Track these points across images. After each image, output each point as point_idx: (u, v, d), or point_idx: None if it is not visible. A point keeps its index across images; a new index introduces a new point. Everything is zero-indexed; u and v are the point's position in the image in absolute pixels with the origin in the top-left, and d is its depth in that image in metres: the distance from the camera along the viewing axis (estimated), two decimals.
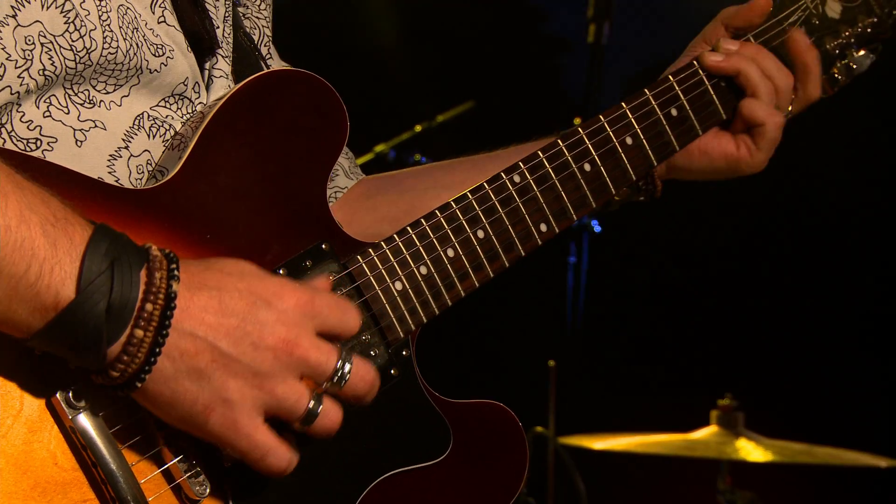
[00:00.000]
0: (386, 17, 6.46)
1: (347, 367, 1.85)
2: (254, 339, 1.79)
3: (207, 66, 2.14)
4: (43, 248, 1.69)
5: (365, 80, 6.31)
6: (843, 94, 5.59)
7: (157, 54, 2.00)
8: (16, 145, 1.89)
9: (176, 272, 1.76)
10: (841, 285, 6.12)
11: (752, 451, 5.02)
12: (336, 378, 1.85)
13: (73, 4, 1.90)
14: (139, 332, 1.73)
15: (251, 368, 1.79)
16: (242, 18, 2.34)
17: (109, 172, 1.97)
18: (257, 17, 2.39)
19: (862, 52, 2.54)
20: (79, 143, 1.94)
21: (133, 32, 1.97)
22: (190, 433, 1.82)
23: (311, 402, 1.83)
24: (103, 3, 1.93)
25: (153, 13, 2.02)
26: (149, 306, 1.73)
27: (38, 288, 1.69)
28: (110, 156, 1.97)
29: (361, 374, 1.87)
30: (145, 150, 2.01)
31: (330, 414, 1.85)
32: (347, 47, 6.31)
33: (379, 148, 5.73)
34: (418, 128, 5.81)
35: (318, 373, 1.84)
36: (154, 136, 2.02)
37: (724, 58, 2.41)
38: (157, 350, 1.74)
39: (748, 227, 6.23)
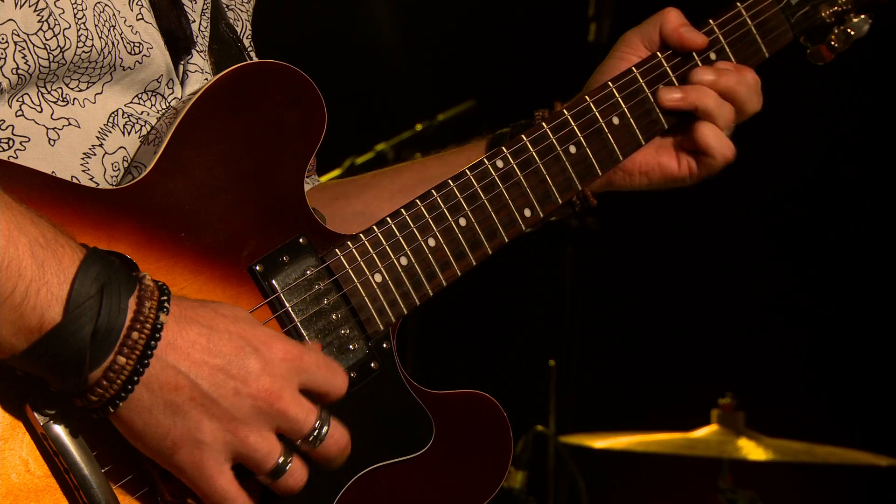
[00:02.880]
0: (386, 15, 6.46)
1: (325, 428, 1.85)
2: (237, 383, 1.79)
3: (182, 62, 2.12)
4: (30, 269, 1.68)
5: (365, 78, 6.31)
6: (843, 94, 5.58)
7: (133, 52, 1.99)
8: None
9: (166, 304, 1.76)
10: (841, 284, 6.10)
11: (752, 449, 5.01)
12: (311, 437, 1.84)
13: (47, 3, 1.89)
14: (121, 360, 1.72)
15: (228, 413, 1.78)
16: (226, 10, 2.32)
17: (84, 171, 1.96)
18: (240, 10, 2.37)
19: (860, 17, 2.47)
20: (52, 142, 1.93)
21: (110, 30, 1.95)
22: (155, 461, 1.81)
23: (281, 458, 1.82)
24: (79, 1, 1.92)
25: (132, 10, 2.01)
26: (134, 334, 1.72)
27: (23, 309, 1.68)
28: (84, 154, 1.96)
29: (336, 437, 1.87)
30: (120, 147, 2.00)
31: (296, 474, 1.84)
32: (348, 46, 6.31)
33: (380, 147, 5.73)
34: (419, 126, 5.80)
35: (295, 429, 1.83)
36: (129, 133, 2.01)
37: (681, 95, 2.36)
38: (136, 378, 1.73)
39: (749, 226, 6.22)
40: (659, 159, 2.42)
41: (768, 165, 6.07)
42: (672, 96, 2.35)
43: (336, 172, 5.56)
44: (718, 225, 6.14)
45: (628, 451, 5.15)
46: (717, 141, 2.37)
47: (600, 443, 5.21)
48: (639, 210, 5.44)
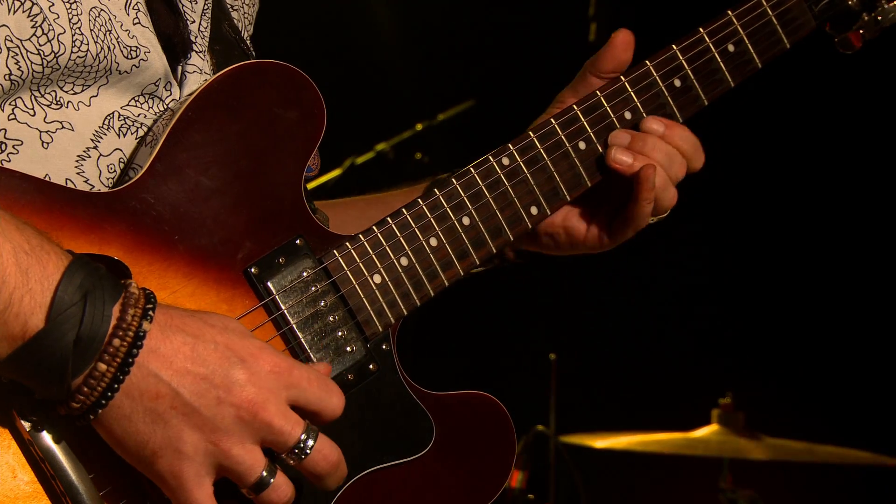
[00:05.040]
0: (386, 15, 6.45)
1: (311, 442, 1.81)
2: (220, 393, 1.76)
3: (181, 63, 2.10)
4: (14, 275, 1.67)
5: (366, 78, 6.30)
6: (843, 93, 5.56)
7: (129, 56, 1.97)
8: None
9: (151, 312, 1.74)
10: (842, 283, 6.10)
11: (752, 449, 5.02)
12: (297, 450, 1.80)
13: (42, 8, 1.87)
14: (102, 366, 1.71)
15: (211, 423, 1.76)
16: (230, 10, 2.31)
17: (78, 173, 1.94)
18: (243, 11, 2.35)
19: (891, 4, 2.41)
20: (45, 145, 1.92)
21: (105, 35, 1.94)
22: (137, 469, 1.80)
23: (264, 472, 1.78)
24: (74, 6, 1.91)
25: (128, 14, 1.99)
26: (116, 342, 1.71)
27: (7, 316, 1.67)
28: (78, 156, 1.94)
29: (325, 452, 1.83)
30: (116, 149, 1.98)
31: (279, 489, 1.80)
32: (348, 46, 6.31)
33: (380, 147, 5.73)
34: (419, 126, 5.81)
35: (280, 441, 1.79)
36: (125, 135, 1.99)
37: (632, 159, 2.24)
38: (116, 386, 1.72)
39: (750, 226, 6.21)
40: (566, 223, 2.35)
41: (768, 165, 6.07)
42: (622, 158, 2.25)
43: (336, 172, 5.57)
44: (719, 225, 6.14)
45: (628, 451, 5.15)
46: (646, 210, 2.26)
47: (600, 443, 5.21)
48: None
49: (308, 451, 1.81)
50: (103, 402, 1.72)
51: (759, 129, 5.83)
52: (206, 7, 2.18)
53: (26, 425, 1.76)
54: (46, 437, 1.77)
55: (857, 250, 6.05)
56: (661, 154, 2.26)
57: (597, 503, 5.98)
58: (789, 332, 6.15)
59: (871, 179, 5.99)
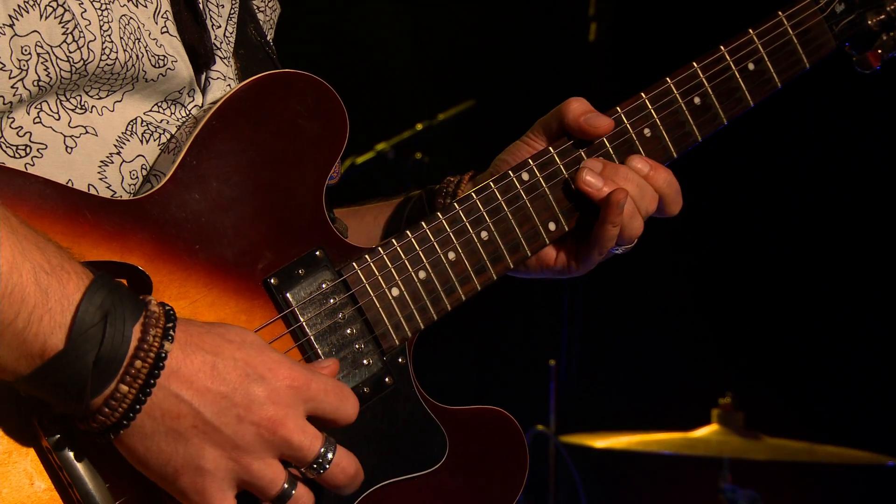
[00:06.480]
0: (387, 15, 6.45)
1: (330, 455, 1.83)
2: (240, 411, 1.77)
3: (204, 69, 2.10)
4: (33, 295, 1.67)
5: (366, 78, 6.29)
6: (841, 93, 5.56)
7: (157, 65, 1.97)
8: (5, 152, 1.87)
9: (171, 332, 1.74)
10: (842, 283, 6.11)
11: (752, 449, 5.02)
12: (316, 465, 1.82)
13: (74, 14, 1.87)
14: (124, 388, 1.72)
15: (231, 441, 1.77)
16: (257, 11, 2.31)
17: (101, 179, 1.94)
18: (268, 15, 2.36)
19: None
20: (69, 150, 1.92)
21: (135, 43, 1.94)
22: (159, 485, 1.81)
23: (285, 485, 1.80)
24: (105, 13, 1.90)
25: (156, 23, 1.99)
26: (138, 363, 1.72)
27: (26, 335, 1.68)
28: (101, 162, 1.94)
29: (343, 465, 1.85)
30: (139, 156, 1.98)
31: (301, 500, 1.82)
32: (349, 45, 6.30)
33: (380, 146, 5.73)
34: (419, 126, 5.80)
35: (299, 457, 1.81)
36: (147, 141, 1.99)
37: (602, 184, 2.19)
38: (138, 407, 1.73)
39: (748, 226, 6.22)
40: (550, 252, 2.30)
41: (767, 167, 6.07)
42: (590, 180, 2.21)
43: None
44: (719, 225, 6.14)
45: (629, 451, 5.15)
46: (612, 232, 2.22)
47: (601, 442, 5.21)
48: None
49: (327, 466, 1.83)
50: (125, 422, 1.73)
51: (759, 131, 5.83)
52: (232, 11, 2.18)
53: (46, 434, 1.76)
54: (65, 446, 1.77)
55: (856, 251, 6.06)
56: (633, 185, 2.22)
57: (597, 503, 5.99)
58: (789, 332, 6.16)
59: (871, 180, 6.00)
